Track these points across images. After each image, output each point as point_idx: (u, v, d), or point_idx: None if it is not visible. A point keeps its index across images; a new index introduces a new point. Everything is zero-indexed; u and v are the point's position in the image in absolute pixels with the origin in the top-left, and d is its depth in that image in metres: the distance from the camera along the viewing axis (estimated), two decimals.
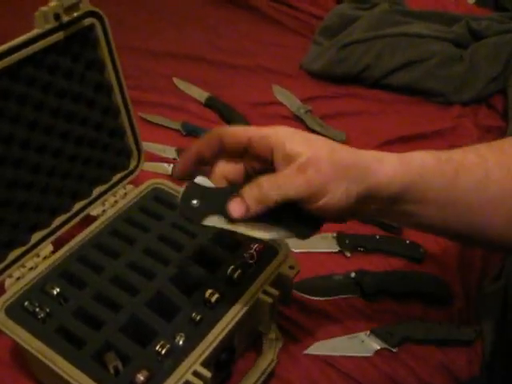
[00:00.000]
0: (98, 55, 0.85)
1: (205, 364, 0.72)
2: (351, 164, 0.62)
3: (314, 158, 0.61)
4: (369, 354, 0.89)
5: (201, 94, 1.41)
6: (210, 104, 1.38)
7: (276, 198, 0.61)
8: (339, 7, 1.64)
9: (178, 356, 0.72)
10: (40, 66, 0.78)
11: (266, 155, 0.63)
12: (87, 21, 0.81)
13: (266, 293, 0.79)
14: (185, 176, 0.70)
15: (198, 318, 0.76)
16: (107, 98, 0.89)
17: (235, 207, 0.62)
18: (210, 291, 0.78)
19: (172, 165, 1.18)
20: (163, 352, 0.72)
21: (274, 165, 0.62)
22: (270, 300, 0.78)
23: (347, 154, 0.63)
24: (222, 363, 0.78)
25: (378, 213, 0.68)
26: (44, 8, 0.75)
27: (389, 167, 0.64)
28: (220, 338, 0.74)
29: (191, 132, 1.29)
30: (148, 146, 1.21)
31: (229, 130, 0.66)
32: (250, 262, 0.82)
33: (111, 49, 0.86)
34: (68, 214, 0.89)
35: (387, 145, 1.29)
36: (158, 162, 1.19)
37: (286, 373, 0.86)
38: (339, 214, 0.64)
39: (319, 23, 1.63)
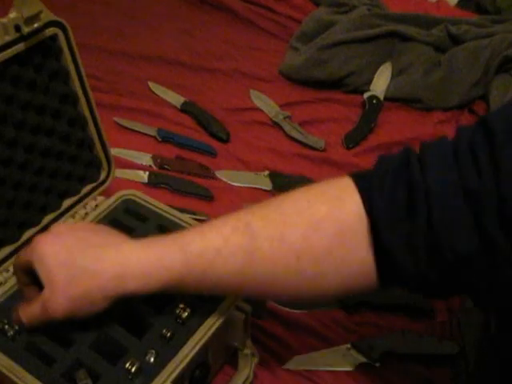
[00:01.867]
0: (62, 65, 0.84)
1: (176, 382, 0.71)
2: (92, 290, 0.69)
3: (52, 296, 0.69)
4: (350, 369, 0.89)
5: (177, 99, 1.40)
6: (186, 109, 1.37)
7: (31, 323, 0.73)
8: (316, 12, 1.64)
9: (148, 374, 0.71)
10: (1, 78, 0.77)
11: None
12: (49, 31, 0.80)
13: (238, 308, 0.79)
14: None
15: (169, 334, 0.75)
16: (73, 108, 0.88)
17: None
18: (181, 306, 0.77)
19: (148, 172, 1.17)
20: (133, 370, 0.71)
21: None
22: (242, 316, 0.78)
23: (88, 278, 0.69)
24: (197, 380, 0.78)
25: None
26: (3, 19, 0.74)
27: (138, 271, 0.69)
28: (191, 354, 0.73)
29: (167, 138, 1.28)
30: (123, 152, 1.21)
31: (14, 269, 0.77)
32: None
33: (75, 58, 0.85)
34: (37, 228, 0.88)
35: (367, 152, 1.29)
36: (134, 169, 1.19)
37: None
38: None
39: (298, 26, 1.62)
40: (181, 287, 0.69)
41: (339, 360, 0.90)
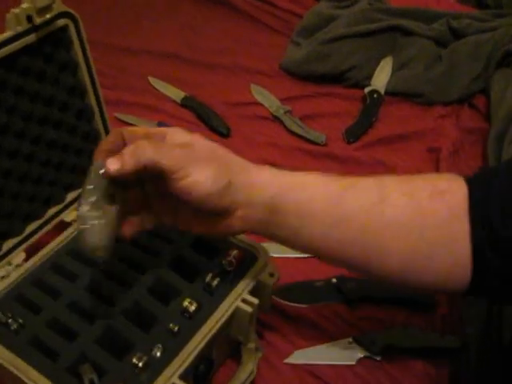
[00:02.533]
0: (72, 57, 0.84)
1: (183, 376, 0.71)
2: (228, 157, 0.70)
3: (194, 141, 0.69)
4: (351, 363, 0.90)
5: (177, 94, 1.40)
6: (186, 104, 1.38)
7: (150, 157, 0.65)
8: (317, 6, 1.65)
9: (155, 368, 0.71)
10: (12, 69, 0.77)
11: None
12: (60, 22, 0.80)
13: (245, 301, 0.79)
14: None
15: (176, 328, 0.75)
16: (81, 100, 0.88)
17: (112, 161, 0.66)
18: (187, 300, 0.78)
19: None
20: (140, 364, 0.71)
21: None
22: (249, 309, 0.78)
23: (229, 152, 0.71)
24: (201, 375, 0.78)
25: (260, 224, 0.71)
26: (16, 10, 0.74)
27: (267, 172, 0.70)
28: (198, 349, 0.74)
29: None
30: None
31: (128, 128, 0.73)
32: (229, 269, 0.82)
33: (85, 50, 0.85)
34: (41, 221, 0.88)
35: (367, 146, 1.30)
36: None
37: (266, 382, 0.87)
38: (208, 201, 0.67)
39: (299, 21, 1.63)
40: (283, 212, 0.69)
41: (341, 354, 0.90)
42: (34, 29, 0.77)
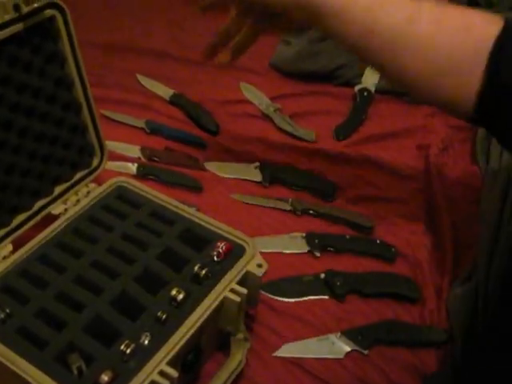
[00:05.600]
0: (59, 48, 0.87)
1: (171, 364, 0.74)
2: None
3: None
4: (339, 356, 0.92)
5: (166, 92, 1.42)
6: (175, 101, 1.40)
7: None
8: None
9: (143, 356, 0.74)
10: None
11: None
12: (48, 12, 0.83)
13: (233, 291, 0.82)
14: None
15: (164, 317, 0.78)
16: (68, 92, 0.91)
17: None
18: (175, 290, 0.80)
19: (136, 164, 1.20)
20: (128, 352, 0.73)
21: None
22: (237, 299, 0.81)
23: None
24: (189, 364, 0.80)
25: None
26: None
27: None
28: (187, 336, 0.76)
29: (156, 130, 1.30)
30: (111, 144, 1.21)
31: None
32: (217, 260, 0.85)
33: (73, 42, 0.87)
34: (28, 213, 0.90)
35: (357, 144, 1.32)
36: (122, 162, 1.21)
37: (255, 375, 0.89)
38: None
39: None
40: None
41: (329, 348, 0.93)
42: (21, 18, 0.79)
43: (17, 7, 0.77)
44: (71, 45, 0.88)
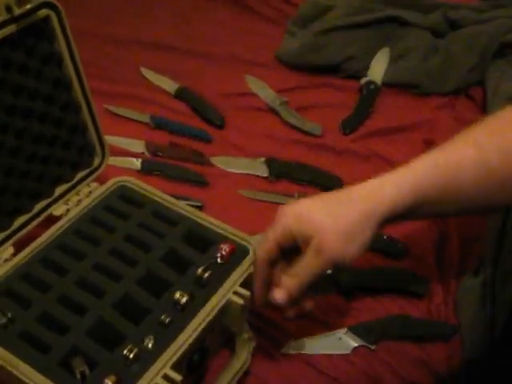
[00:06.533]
0: (55, 48, 0.84)
1: (175, 367, 0.72)
2: (355, 219, 0.71)
3: (323, 237, 0.71)
4: (346, 352, 0.91)
5: (170, 85, 1.40)
6: (180, 95, 1.38)
7: (309, 279, 0.74)
8: None
9: (146, 360, 0.72)
10: None
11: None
12: (42, 12, 0.80)
13: (236, 294, 0.80)
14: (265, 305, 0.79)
15: (168, 320, 0.76)
16: (66, 93, 0.89)
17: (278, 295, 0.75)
18: (179, 293, 0.78)
19: (140, 159, 1.18)
20: (131, 356, 0.72)
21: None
22: (241, 301, 0.79)
23: (347, 209, 0.72)
24: (195, 364, 0.79)
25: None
26: None
27: (389, 192, 0.72)
28: (190, 340, 0.75)
29: (160, 125, 1.28)
30: (115, 140, 1.21)
31: (260, 253, 0.76)
32: (221, 262, 0.83)
33: (69, 41, 0.85)
34: (29, 215, 0.89)
35: (364, 138, 1.30)
36: (127, 157, 1.19)
37: (262, 372, 0.87)
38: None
39: (295, 11, 1.62)
40: (423, 203, 0.72)
41: (336, 344, 0.91)
42: (14, 20, 0.77)
43: (9, 9, 0.75)
44: (68, 44, 0.85)
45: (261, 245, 0.76)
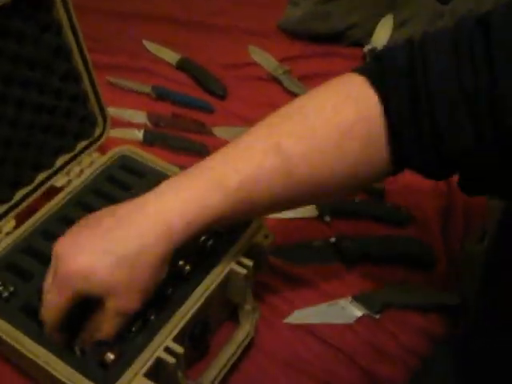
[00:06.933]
0: (54, 16, 0.83)
1: (177, 339, 0.71)
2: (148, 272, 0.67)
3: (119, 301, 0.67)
4: (350, 321, 0.89)
5: (172, 57, 1.38)
6: (182, 66, 1.36)
7: None
8: None
9: (148, 332, 0.71)
10: None
11: None
12: None
13: (239, 264, 0.79)
14: None
15: (169, 291, 0.75)
16: (66, 62, 0.87)
17: None
18: (181, 263, 0.77)
19: (143, 130, 1.16)
20: (134, 328, 0.71)
21: None
22: (244, 271, 0.78)
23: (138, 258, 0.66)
24: (197, 337, 0.78)
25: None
26: None
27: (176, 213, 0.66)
28: (192, 311, 0.74)
29: (162, 96, 1.27)
30: (117, 111, 1.19)
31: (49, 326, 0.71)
32: (223, 231, 0.82)
33: (68, 8, 0.83)
34: (30, 187, 0.88)
35: None
36: (128, 128, 1.18)
37: (265, 342, 0.87)
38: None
39: None
40: (222, 222, 0.69)
41: (339, 313, 0.90)
42: None
43: None
44: (67, 11, 0.83)
45: (47, 315, 0.70)
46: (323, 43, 1.45)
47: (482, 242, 0.96)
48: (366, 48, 1.40)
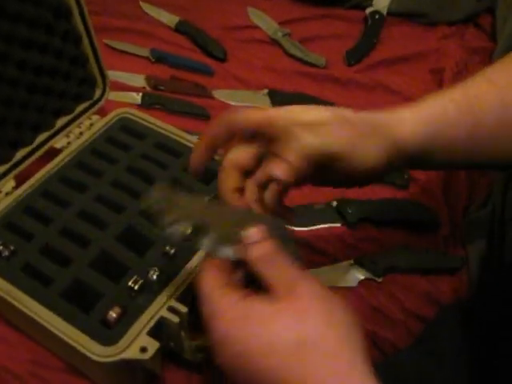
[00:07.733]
0: None
1: (180, 299, 0.71)
2: (373, 121, 0.64)
3: (340, 117, 0.62)
4: (353, 285, 0.89)
5: (171, 19, 1.36)
6: (181, 29, 1.34)
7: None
8: None
9: (151, 291, 0.71)
10: None
11: (280, 135, 0.61)
12: None
13: None
14: (201, 173, 0.68)
15: (172, 251, 0.75)
16: (67, 23, 0.86)
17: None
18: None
19: (141, 94, 1.15)
20: (136, 287, 0.71)
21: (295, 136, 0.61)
22: None
23: (365, 114, 0.65)
24: None
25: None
26: None
27: (408, 123, 0.65)
28: (196, 271, 0.73)
29: (161, 58, 1.25)
30: (115, 74, 1.17)
31: (239, 117, 0.63)
32: None
33: None
34: (30, 147, 0.87)
35: (369, 68, 1.27)
36: (127, 92, 1.16)
37: None
38: (370, 175, 0.65)
39: None
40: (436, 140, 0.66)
41: (342, 276, 0.90)
42: None
43: None
44: None
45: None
46: (323, 5, 1.42)
47: (486, 206, 0.95)
48: (368, 10, 1.38)
